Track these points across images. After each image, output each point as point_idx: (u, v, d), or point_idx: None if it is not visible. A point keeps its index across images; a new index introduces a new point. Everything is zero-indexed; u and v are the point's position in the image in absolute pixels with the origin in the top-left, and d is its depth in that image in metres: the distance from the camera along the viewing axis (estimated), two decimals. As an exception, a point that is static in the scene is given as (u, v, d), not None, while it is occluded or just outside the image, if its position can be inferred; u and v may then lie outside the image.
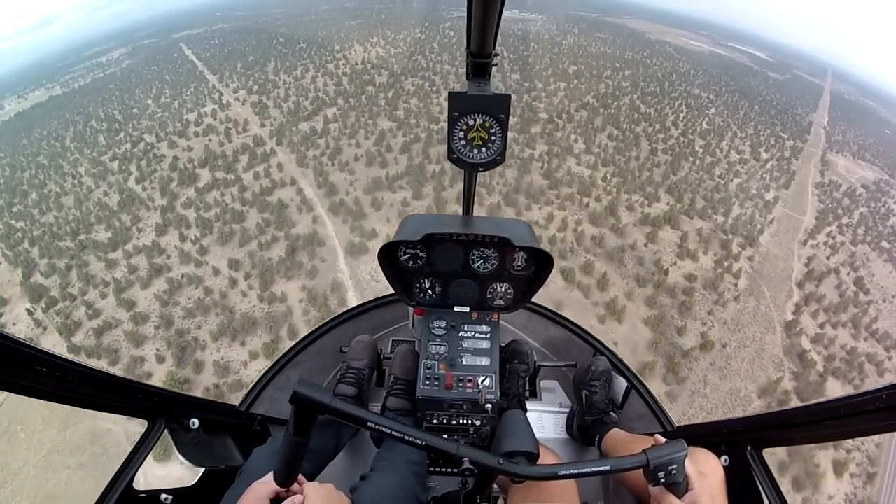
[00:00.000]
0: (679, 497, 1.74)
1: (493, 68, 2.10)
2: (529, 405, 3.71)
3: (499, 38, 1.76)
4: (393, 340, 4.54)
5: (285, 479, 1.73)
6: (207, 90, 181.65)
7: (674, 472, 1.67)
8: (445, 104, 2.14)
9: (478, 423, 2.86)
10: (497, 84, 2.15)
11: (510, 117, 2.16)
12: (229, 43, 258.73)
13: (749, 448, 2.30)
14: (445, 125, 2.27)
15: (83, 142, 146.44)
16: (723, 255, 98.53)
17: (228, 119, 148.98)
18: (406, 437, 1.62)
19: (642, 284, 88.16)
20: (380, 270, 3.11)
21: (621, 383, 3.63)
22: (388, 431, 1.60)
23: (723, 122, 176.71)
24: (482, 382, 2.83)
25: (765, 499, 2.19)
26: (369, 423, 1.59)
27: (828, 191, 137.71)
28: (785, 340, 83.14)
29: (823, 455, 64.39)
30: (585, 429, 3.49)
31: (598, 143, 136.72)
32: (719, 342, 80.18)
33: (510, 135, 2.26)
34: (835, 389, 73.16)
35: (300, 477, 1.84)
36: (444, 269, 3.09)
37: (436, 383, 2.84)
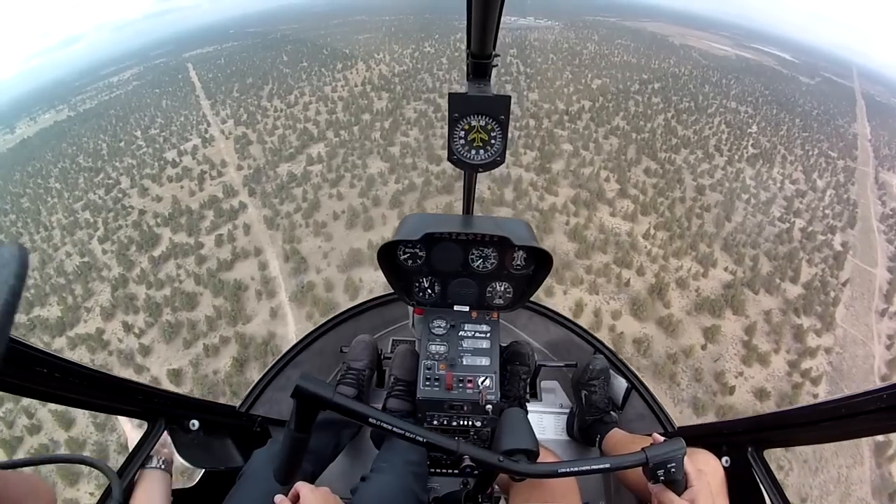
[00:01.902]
0: (679, 494, 1.65)
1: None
2: (530, 406, 3.42)
3: (500, 39, 1.65)
4: (393, 340, 4.13)
5: (285, 477, 1.61)
6: (196, 120, 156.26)
7: (673, 469, 1.59)
8: None
9: (478, 424, 2.65)
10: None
11: (510, 118, 2.00)
12: (234, 62, 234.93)
13: (750, 448, 2.19)
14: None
15: (65, 182, 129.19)
16: (797, 352, 70.01)
17: (206, 159, 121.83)
18: (407, 434, 1.52)
19: (702, 413, 59.03)
20: None
21: (622, 384, 3.35)
22: (390, 428, 1.51)
23: (768, 142, 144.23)
24: (482, 383, 2.62)
25: (767, 499, 2.06)
26: (370, 419, 1.50)
27: (893, 226, 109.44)
28: (874, 472, 59.21)
29: None
30: (586, 429, 3.25)
31: (634, 182, 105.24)
32: (798, 496, 56.22)
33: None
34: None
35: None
36: (444, 268, 2.85)
37: (436, 384, 2.63)
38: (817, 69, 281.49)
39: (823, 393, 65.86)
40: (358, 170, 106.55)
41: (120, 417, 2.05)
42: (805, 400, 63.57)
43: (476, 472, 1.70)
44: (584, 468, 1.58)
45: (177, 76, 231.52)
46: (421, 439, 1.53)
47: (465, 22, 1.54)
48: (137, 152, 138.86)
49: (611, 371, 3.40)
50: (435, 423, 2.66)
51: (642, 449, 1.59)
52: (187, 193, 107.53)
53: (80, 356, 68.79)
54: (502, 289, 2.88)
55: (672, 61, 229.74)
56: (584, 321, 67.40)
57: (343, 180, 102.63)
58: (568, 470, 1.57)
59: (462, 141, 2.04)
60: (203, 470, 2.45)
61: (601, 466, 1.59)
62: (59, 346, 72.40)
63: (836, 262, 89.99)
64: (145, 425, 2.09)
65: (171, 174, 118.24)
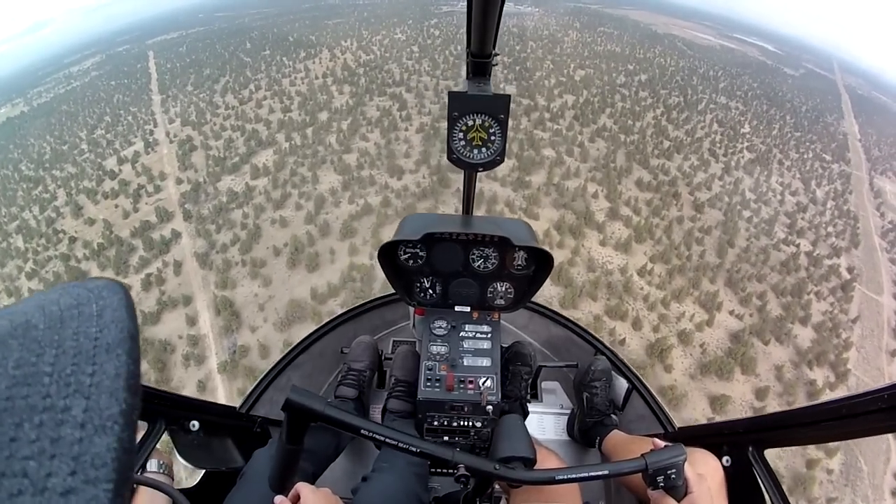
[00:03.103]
0: (678, 500, 1.59)
1: (493, 68, 1.92)
2: (530, 407, 3.21)
3: (498, 38, 1.62)
4: (394, 341, 3.95)
5: (279, 486, 1.56)
6: (144, 119, 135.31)
7: (672, 476, 1.52)
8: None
9: (479, 424, 2.53)
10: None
11: (509, 117, 1.94)
12: (195, 51, 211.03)
13: (750, 448, 2.12)
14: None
15: (3, 196, 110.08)
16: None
17: (145, 170, 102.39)
18: (400, 445, 1.44)
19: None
20: None
21: (622, 384, 3.21)
22: (382, 439, 1.43)
23: (763, 144, 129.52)
24: (483, 384, 2.50)
25: (767, 499, 2.00)
26: (363, 431, 1.42)
27: (895, 242, 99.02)
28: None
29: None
30: (586, 431, 3.11)
31: (625, 199, 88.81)
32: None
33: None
34: None
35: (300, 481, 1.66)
36: (444, 268, 2.71)
37: (437, 384, 2.50)
38: (800, 60, 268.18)
39: (837, 466, 55.71)
40: (307, 186, 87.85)
41: None
42: (822, 466, 53.65)
43: (472, 478, 1.63)
44: (582, 475, 1.50)
45: (136, 66, 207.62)
46: (414, 449, 1.45)
47: (466, 22, 1.48)
48: (79, 158, 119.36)
49: (612, 371, 3.23)
50: (435, 423, 2.51)
51: (642, 455, 1.52)
52: (121, 215, 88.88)
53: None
54: (503, 289, 2.73)
55: (657, 51, 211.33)
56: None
57: (289, 200, 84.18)
58: (566, 476, 1.49)
59: (462, 140, 1.95)
60: (203, 471, 2.37)
61: (600, 473, 1.53)
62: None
63: (843, 293, 78.16)
64: (145, 426, 2.02)
65: (107, 189, 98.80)
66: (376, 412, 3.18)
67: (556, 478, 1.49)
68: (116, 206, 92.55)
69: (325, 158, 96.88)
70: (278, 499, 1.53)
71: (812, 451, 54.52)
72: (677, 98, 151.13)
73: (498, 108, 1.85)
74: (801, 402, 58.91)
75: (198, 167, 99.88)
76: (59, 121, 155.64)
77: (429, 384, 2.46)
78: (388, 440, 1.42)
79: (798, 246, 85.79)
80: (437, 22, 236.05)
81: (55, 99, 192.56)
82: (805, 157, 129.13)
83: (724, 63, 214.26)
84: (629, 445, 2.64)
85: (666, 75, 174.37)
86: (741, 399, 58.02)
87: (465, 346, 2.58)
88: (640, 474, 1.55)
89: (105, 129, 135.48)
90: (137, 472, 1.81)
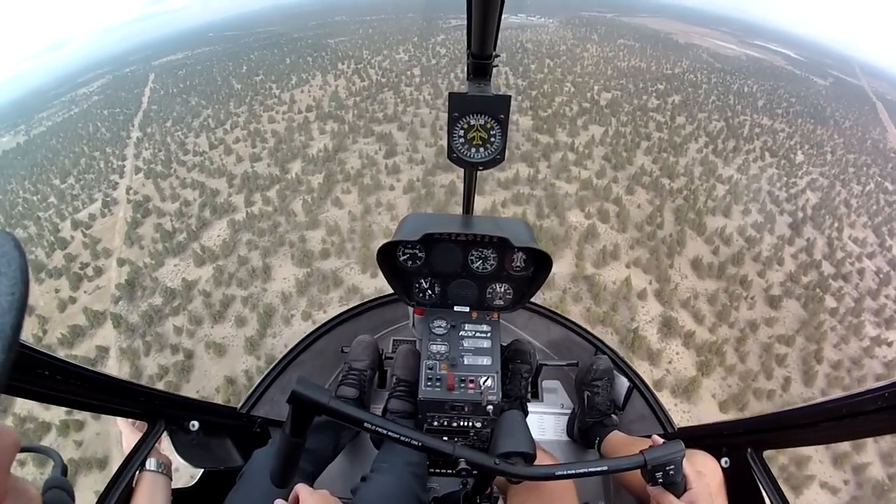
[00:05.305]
0: (678, 497, 1.50)
1: (494, 69, 1.81)
2: (531, 406, 3.16)
3: (499, 41, 1.53)
4: (394, 340, 3.77)
5: (281, 480, 1.45)
6: (114, 166, 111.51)
7: (671, 472, 1.44)
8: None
9: (479, 424, 2.44)
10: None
11: (510, 115, 1.82)
12: (192, 75, 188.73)
13: (749, 450, 2.00)
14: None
15: None
16: None
17: (94, 241, 78.92)
18: (402, 438, 1.37)
19: None
20: None
21: (623, 383, 3.07)
22: (385, 432, 1.35)
23: (823, 177, 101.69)
24: (484, 383, 2.40)
25: (767, 500, 1.89)
26: (366, 424, 1.34)
27: None
28: None
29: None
30: (586, 431, 2.96)
31: (682, 295, 62.01)
32: None
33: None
34: None
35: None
36: (443, 269, 2.57)
37: (437, 384, 2.39)
38: (824, 67, 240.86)
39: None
40: (255, 284, 62.76)
41: (118, 419, 1.89)
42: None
43: (474, 472, 1.56)
44: (581, 470, 1.42)
45: (133, 91, 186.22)
46: (416, 443, 1.38)
47: (466, 22, 1.40)
48: (43, 215, 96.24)
49: (613, 371, 3.08)
50: (435, 423, 2.42)
51: (640, 451, 1.44)
52: (57, 308, 65.95)
53: None
54: (502, 290, 2.60)
55: (685, 65, 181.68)
56: None
57: (231, 308, 59.02)
58: (565, 472, 1.40)
59: (462, 140, 1.87)
60: (203, 470, 2.28)
61: (599, 469, 1.45)
62: None
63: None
64: (144, 426, 1.91)
65: (53, 267, 75.37)
66: (377, 412, 2.87)
67: (556, 473, 1.39)
68: (57, 292, 69.49)
69: (284, 238, 70.68)
70: (278, 502, 1.42)
71: None
72: (718, 123, 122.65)
73: (498, 108, 1.76)
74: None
75: (144, 241, 76.07)
76: (45, 158, 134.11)
77: (429, 384, 2.34)
78: (390, 433, 1.34)
79: (891, 345, 59.72)
80: (444, 39, 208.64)
81: (52, 129, 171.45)
82: (867, 188, 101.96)
83: (755, 76, 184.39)
84: (628, 446, 2.49)
85: (700, 94, 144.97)
86: None
87: (465, 345, 2.45)
88: (639, 472, 1.47)
89: (76, 177, 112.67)
90: (137, 469, 1.75)
